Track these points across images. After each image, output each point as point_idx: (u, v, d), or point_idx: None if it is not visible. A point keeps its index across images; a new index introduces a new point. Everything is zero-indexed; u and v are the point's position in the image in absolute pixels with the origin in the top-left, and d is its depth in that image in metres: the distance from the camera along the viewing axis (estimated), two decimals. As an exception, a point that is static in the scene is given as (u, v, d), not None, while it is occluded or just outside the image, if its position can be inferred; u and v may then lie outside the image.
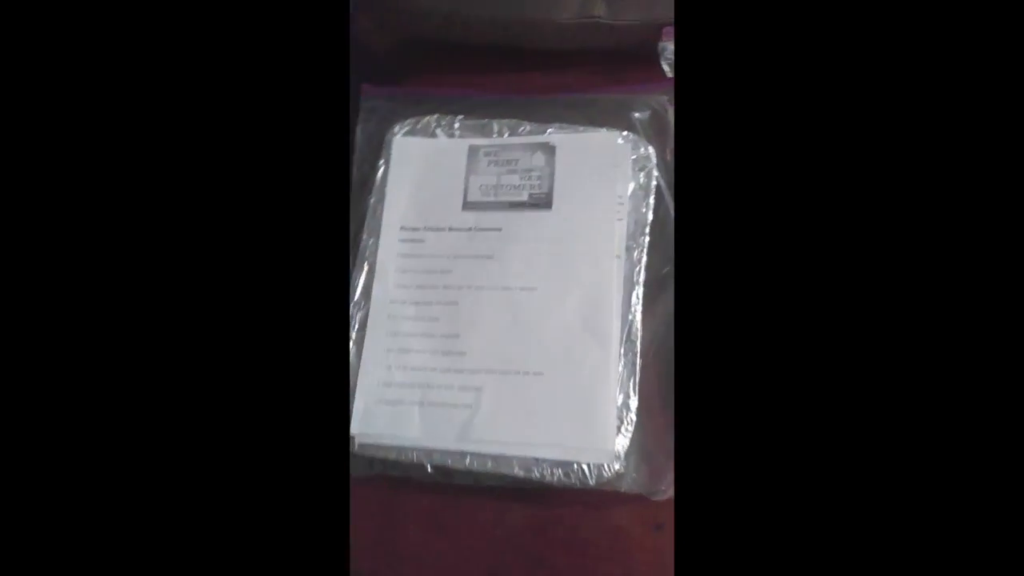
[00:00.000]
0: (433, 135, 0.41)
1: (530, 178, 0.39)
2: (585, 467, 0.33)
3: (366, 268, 0.39)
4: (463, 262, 0.38)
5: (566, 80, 0.42)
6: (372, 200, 0.40)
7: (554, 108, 0.40)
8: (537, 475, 0.34)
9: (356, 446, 0.36)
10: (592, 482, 0.33)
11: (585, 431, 0.34)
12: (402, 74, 0.44)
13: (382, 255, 0.39)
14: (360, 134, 0.41)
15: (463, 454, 0.34)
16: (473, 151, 0.40)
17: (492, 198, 0.39)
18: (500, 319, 0.36)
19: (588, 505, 0.34)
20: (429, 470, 0.35)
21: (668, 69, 0.40)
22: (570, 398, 0.34)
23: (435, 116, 0.41)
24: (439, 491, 0.36)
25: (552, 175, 0.38)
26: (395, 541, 0.36)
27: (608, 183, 0.38)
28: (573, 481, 0.33)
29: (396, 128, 0.41)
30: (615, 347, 0.35)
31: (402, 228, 0.39)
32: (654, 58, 0.40)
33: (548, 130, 0.40)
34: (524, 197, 0.38)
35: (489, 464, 0.34)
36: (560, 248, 0.37)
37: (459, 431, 0.35)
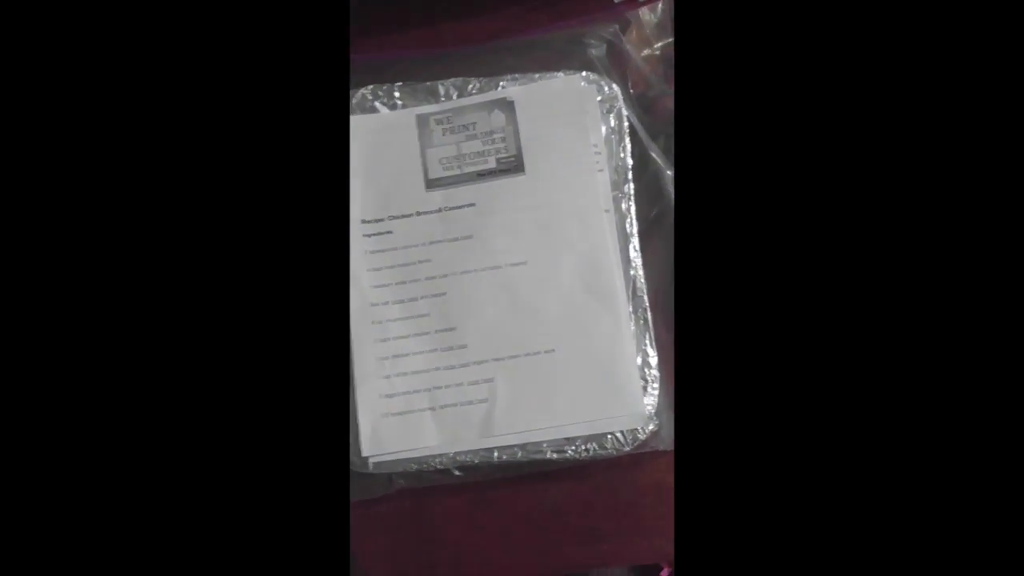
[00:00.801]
0: (372, 109, 0.36)
1: (493, 141, 0.35)
2: (619, 435, 0.32)
3: (332, 274, 0.34)
4: (441, 247, 0.34)
5: (505, 23, 0.38)
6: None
7: (500, 56, 0.36)
8: (571, 453, 0.32)
9: (370, 465, 0.33)
10: (629, 448, 0.32)
11: (612, 399, 0.32)
12: (316, 42, 0.38)
13: (351, 256, 0.34)
14: (285, 122, 0.36)
15: (490, 449, 0.33)
16: (422, 121, 0.35)
17: (456, 171, 0.35)
18: (496, 301, 0.33)
19: (627, 467, 0.34)
20: (456, 474, 0.33)
21: (614, -6, 0.37)
22: (589, 369, 0.33)
23: (369, 88, 0.36)
24: (470, 490, 0.34)
25: (517, 134, 0.35)
26: (434, 550, 0.34)
27: (580, 132, 0.35)
28: (609, 451, 0.32)
29: (327, 108, 0.36)
30: (623, 306, 0.33)
31: (363, 221, 0.35)
32: (596, -17, 0.37)
33: (500, 83, 0.36)
34: (491, 164, 0.35)
35: (519, 454, 0.33)
36: (543, 213, 0.34)
37: (480, 428, 0.33)
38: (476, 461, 0.33)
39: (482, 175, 0.35)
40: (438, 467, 0.33)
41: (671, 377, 0.33)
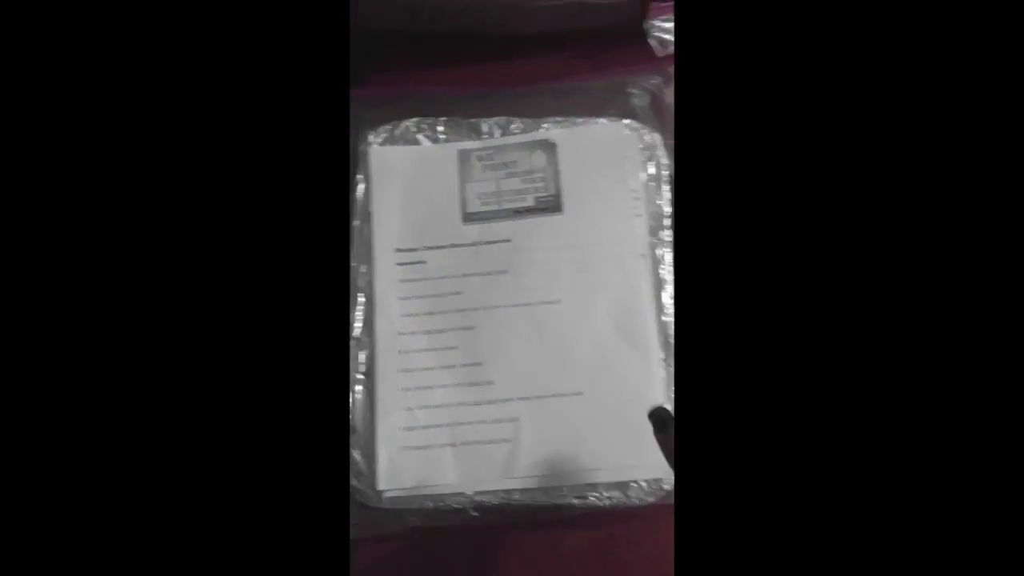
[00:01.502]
0: (414, 141, 0.36)
1: (533, 180, 0.36)
2: (643, 483, 0.32)
3: (362, 299, 0.34)
4: (474, 280, 0.34)
5: (551, 68, 0.39)
6: (356, 222, 0.35)
7: (543, 99, 0.37)
8: (593, 500, 0.32)
9: (384, 500, 0.32)
10: (652, 498, 0.32)
11: (638, 447, 0.32)
12: (364, 73, 0.39)
13: (380, 284, 0.34)
14: (327, 146, 0.36)
15: (510, 491, 0.32)
16: (464, 156, 0.36)
17: (494, 206, 0.35)
18: (526, 339, 0.33)
19: (647, 519, 0.33)
20: (473, 514, 0.32)
21: (659, 47, 0.38)
22: (616, 414, 0.32)
23: (414, 120, 0.37)
24: (485, 531, 0.33)
25: (557, 175, 0.35)
26: (444, 593, 0.33)
27: (619, 177, 0.35)
28: (632, 500, 0.32)
29: (370, 137, 0.36)
30: (655, 351, 0.33)
31: (397, 250, 0.35)
32: (641, 37, 0.38)
33: (543, 125, 0.36)
34: (530, 202, 0.35)
35: (540, 497, 0.32)
36: (579, 254, 0.34)
37: (502, 468, 0.32)
38: (495, 502, 0.32)
39: (519, 212, 0.35)
40: (455, 506, 0.32)
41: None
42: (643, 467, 0.32)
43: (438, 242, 0.35)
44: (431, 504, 0.32)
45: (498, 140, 0.36)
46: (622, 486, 0.32)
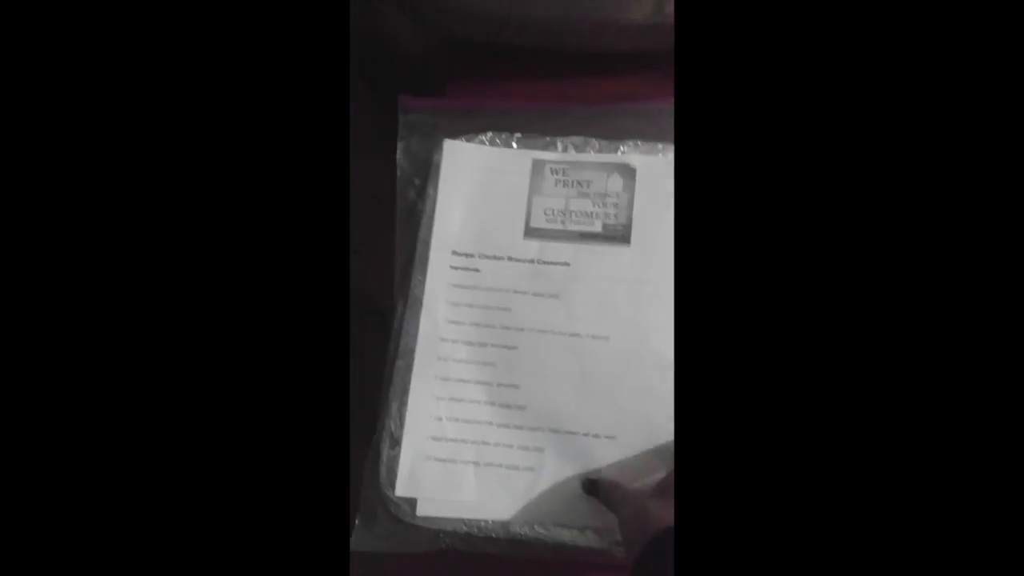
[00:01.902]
0: (486, 155, 0.36)
1: (605, 205, 0.34)
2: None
3: (421, 312, 0.34)
4: (524, 299, 0.33)
5: (634, 88, 0.37)
6: (422, 232, 0.35)
7: (624, 120, 0.36)
8: (617, 547, 0.30)
9: (418, 518, 0.31)
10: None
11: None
12: (444, 81, 0.39)
13: (431, 282, 0.33)
14: (401, 154, 0.36)
15: (546, 527, 0.30)
16: (538, 166, 0.35)
17: (559, 225, 0.34)
18: (566, 371, 0.32)
19: None
20: (505, 545, 0.31)
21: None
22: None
23: (488, 133, 0.36)
24: (516, 565, 0.31)
25: (631, 203, 0.34)
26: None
27: None
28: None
29: (445, 148, 0.36)
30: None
31: (454, 253, 0.34)
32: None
33: (620, 148, 0.35)
34: (597, 227, 0.34)
35: (580, 541, 0.30)
36: (638, 292, 0.32)
37: (522, 497, 0.30)
38: (531, 536, 0.30)
39: (584, 236, 0.34)
40: (491, 535, 0.31)
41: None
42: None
43: (495, 252, 0.34)
44: (464, 529, 0.31)
45: (575, 156, 0.35)
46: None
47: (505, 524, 0.31)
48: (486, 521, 0.31)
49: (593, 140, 0.35)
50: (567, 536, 0.30)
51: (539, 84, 0.38)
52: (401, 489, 0.31)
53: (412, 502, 0.31)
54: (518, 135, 0.36)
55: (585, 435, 0.31)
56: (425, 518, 0.31)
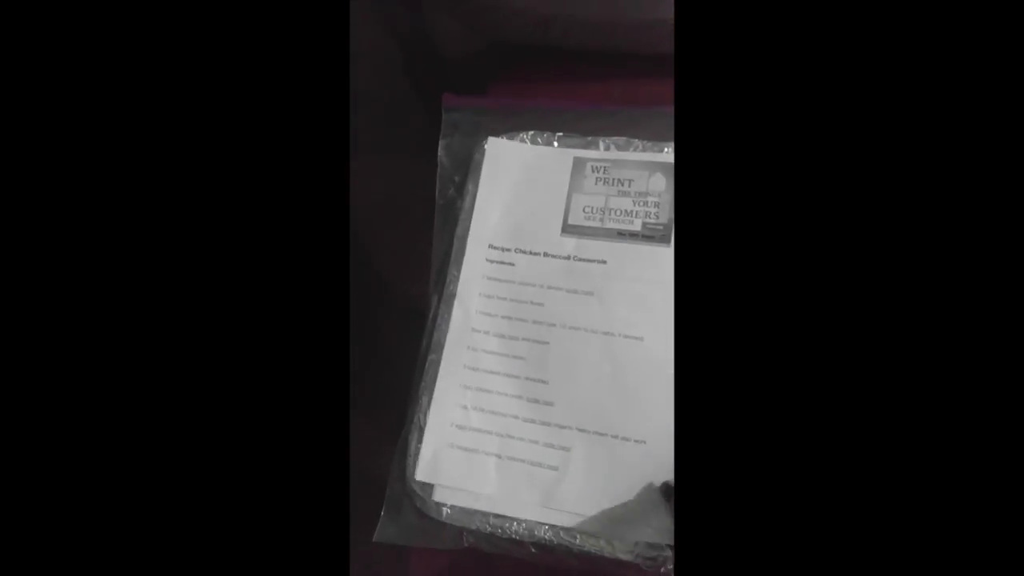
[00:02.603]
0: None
1: (646, 204, 0.33)
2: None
3: (456, 307, 0.34)
4: (558, 296, 0.32)
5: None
6: (459, 229, 0.35)
7: (668, 122, 0.35)
8: (652, 563, 0.28)
9: (443, 514, 0.31)
10: None
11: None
12: (487, 81, 0.39)
13: (466, 273, 0.34)
14: (442, 151, 0.37)
15: (573, 535, 0.29)
16: (579, 164, 0.34)
17: (597, 223, 0.33)
18: (598, 370, 0.31)
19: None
20: (532, 550, 0.30)
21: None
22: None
23: (530, 133, 0.36)
24: (540, 571, 0.31)
25: (672, 204, 0.33)
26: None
27: None
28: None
29: (486, 146, 0.36)
30: None
31: (490, 246, 0.34)
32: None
33: (664, 148, 0.34)
34: (636, 227, 0.33)
35: (606, 550, 0.29)
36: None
37: (542, 495, 0.30)
38: (555, 542, 0.30)
39: (623, 235, 0.33)
40: (514, 536, 0.30)
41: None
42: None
43: (531, 247, 0.34)
44: (488, 529, 0.30)
45: (616, 154, 0.34)
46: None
47: (530, 527, 0.30)
48: (511, 523, 0.30)
49: (636, 141, 0.35)
50: (592, 545, 0.29)
51: (582, 85, 0.38)
52: (421, 474, 0.31)
53: (430, 488, 0.31)
54: (560, 134, 0.35)
55: (614, 437, 0.30)
56: (450, 514, 0.31)
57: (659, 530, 0.28)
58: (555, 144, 0.35)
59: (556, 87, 0.38)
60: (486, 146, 0.36)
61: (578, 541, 0.29)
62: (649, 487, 0.29)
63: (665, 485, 0.28)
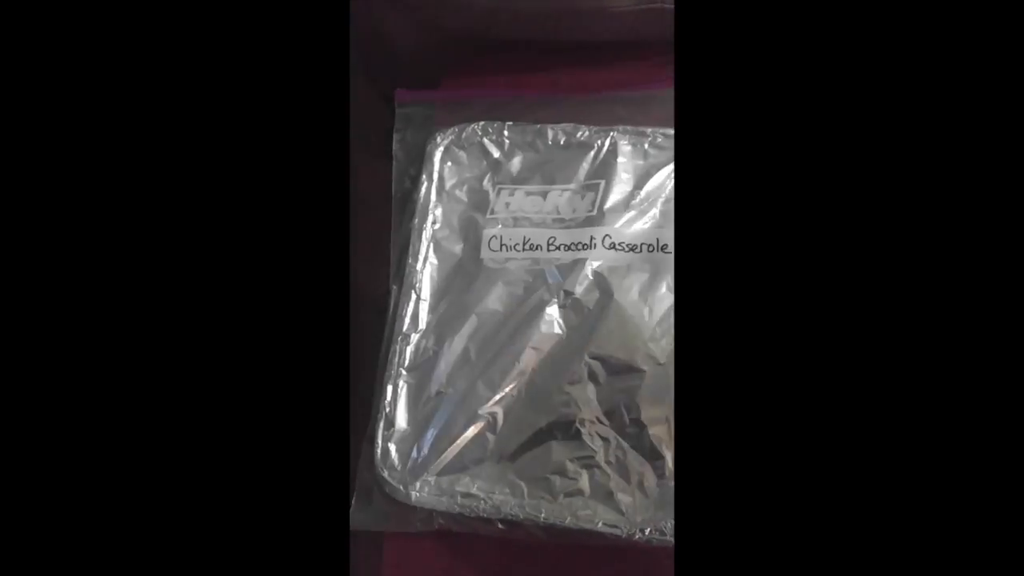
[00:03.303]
0: (480, 145, 0.37)
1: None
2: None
3: (414, 296, 0.35)
4: None
5: (626, 75, 0.37)
6: (415, 220, 0.36)
7: (615, 108, 0.36)
8: (624, 531, 0.30)
9: (412, 498, 0.32)
10: (690, 538, 0.29)
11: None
12: (440, 75, 0.40)
13: (422, 263, 0.35)
14: (397, 145, 0.37)
15: (537, 508, 0.31)
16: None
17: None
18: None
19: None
20: (500, 526, 0.31)
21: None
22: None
23: (480, 124, 0.37)
24: (511, 546, 0.32)
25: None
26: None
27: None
28: (668, 538, 0.29)
29: (438, 138, 0.37)
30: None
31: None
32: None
33: (611, 133, 0.35)
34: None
35: (568, 519, 0.30)
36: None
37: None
38: (520, 517, 0.31)
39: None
40: (482, 515, 0.31)
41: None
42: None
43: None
44: (457, 509, 0.31)
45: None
46: (658, 522, 0.29)
47: (496, 504, 0.31)
48: (478, 501, 0.31)
49: (583, 128, 0.36)
50: (557, 516, 0.30)
51: (532, 76, 0.39)
52: (392, 463, 0.32)
53: (404, 477, 0.32)
54: (509, 123, 0.36)
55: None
56: (419, 497, 0.32)
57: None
58: (504, 134, 0.36)
59: (506, 79, 0.39)
60: (438, 139, 0.36)
61: (543, 515, 0.30)
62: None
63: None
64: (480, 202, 0.36)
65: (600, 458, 0.31)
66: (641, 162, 0.35)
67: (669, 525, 0.29)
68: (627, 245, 0.33)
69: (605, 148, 0.35)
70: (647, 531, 0.29)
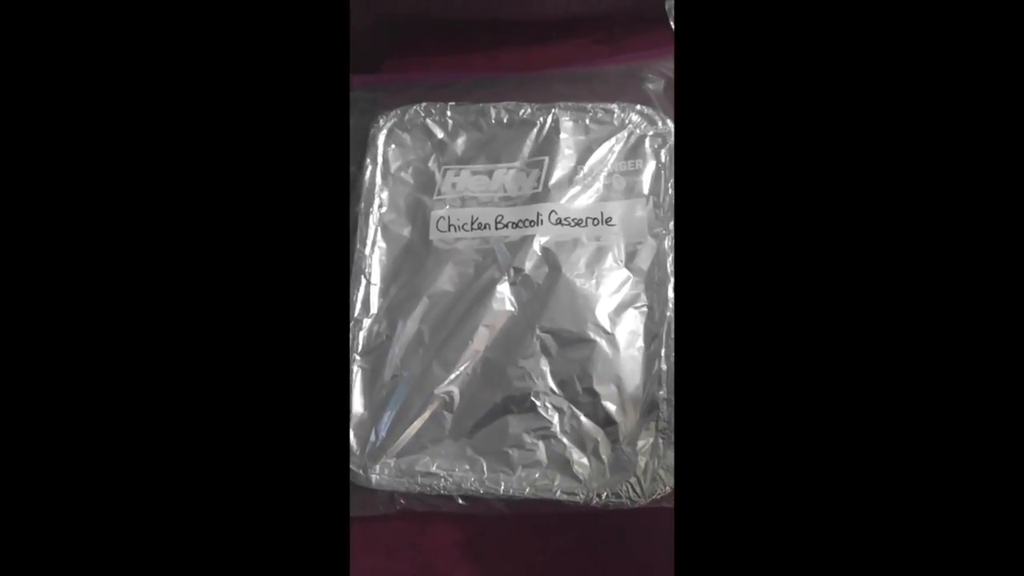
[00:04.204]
0: (423, 127, 0.36)
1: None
2: (636, 486, 0.30)
3: (364, 281, 0.35)
4: None
5: (565, 53, 0.38)
6: (362, 205, 0.36)
7: (556, 85, 0.36)
8: (582, 498, 0.30)
9: (372, 481, 0.32)
10: (646, 500, 0.30)
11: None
12: (381, 58, 0.39)
13: (369, 247, 0.35)
14: (340, 131, 0.37)
15: (496, 481, 0.31)
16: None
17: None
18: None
19: (645, 520, 0.31)
20: (460, 502, 0.32)
21: (678, 31, 0.36)
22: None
23: (423, 105, 0.37)
24: (473, 521, 0.32)
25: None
26: (428, 579, 0.32)
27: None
28: (623, 501, 0.30)
29: (380, 121, 0.37)
30: (640, 349, 0.31)
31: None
32: (661, 20, 0.36)
33: (552, 110, 0.35)
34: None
35: (528, 490, 0.31)
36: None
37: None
38: (481, 491, 0.31)
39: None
40: (442, 491, 0.31)
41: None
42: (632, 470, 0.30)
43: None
44: (418, 489, 0.32)
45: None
46: (614, 486, 0.30)
47: (456, 481, 0.31)
48: (438, 480, 0.31)
49: (526, 105, 0.36)
50: (516, 488, 0.31)
51: (474, 56, 0.39)
52: (351, 448, 0.32)
53: (363, 461, 0.32)
54: (452, 104, 0.36)
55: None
56: (379, 480, 0.32)
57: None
58: (447, 115, 0.36)
59: (449, 59, 0.38)
60: (381, 122, 0.36)
61: (503, 487, 0.31)
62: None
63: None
64: (426, 183, 0.36)
65: (556, 428, 0.31)
66: (583, 137, 0.35)
67: (624, 488, 0.30)
68: (572, 220, 0.34)
69: (548, 125, 0.35)
70: (604, 495, 0.30)
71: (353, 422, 0.33)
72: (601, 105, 0.35)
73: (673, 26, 0.36)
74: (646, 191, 0.34)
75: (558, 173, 0.34)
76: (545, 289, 0.33)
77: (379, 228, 0.35)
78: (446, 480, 0.31)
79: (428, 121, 0.36)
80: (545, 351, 0.32)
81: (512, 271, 0.33)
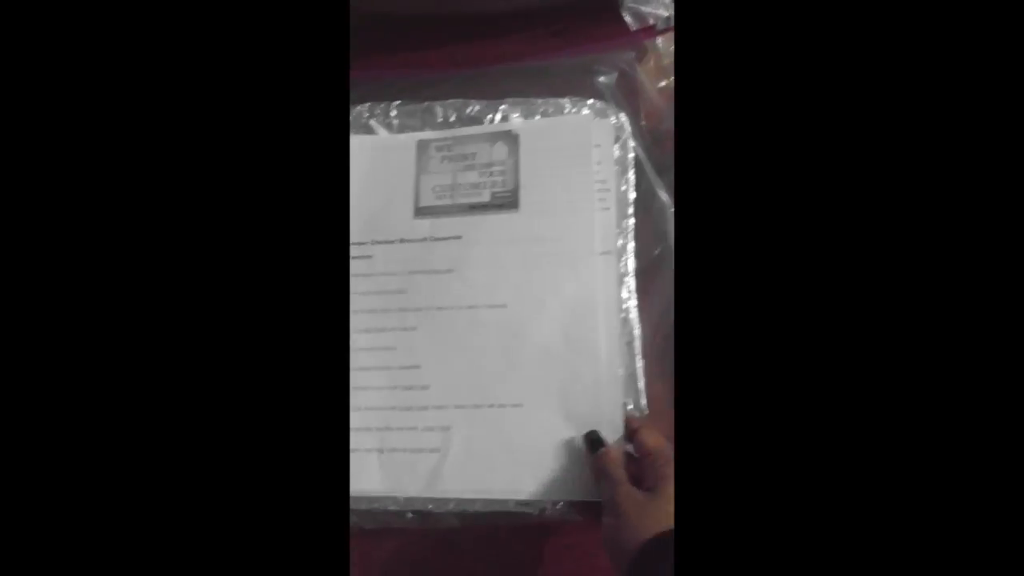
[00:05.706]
0: (368, 128, 0.35)
1: (491, 174, 0.33)
2: (575, 502, 0.29)
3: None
4: (420, 279, 0.32)
5: (517, 47, 0.36)
6: (307, 212, 0.34)
7: (503, 80, 0.35)
8: (534, 512, 0.29)
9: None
10: (580, 517, 0.29)
11: (576, 464, 0.29)
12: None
13: None
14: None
15: (444, 499, 0.30)
16: (423, 146, 0.34)
17: (448, 200, 0.33)
18: (467, 344, 0.31)
19: (582, 535, 0.30)
20: (409, 516, 0.31)
21: (632, 21, 0.35)
22: (557, 429, 0.29)
23: (367, 105, 0.35)
24: (424, 535, 0.31)
25: (517, 168, 0.33)
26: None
27: (584, 171, 0.32)
28: (575, 516, 0.29)
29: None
30: (606, 360, 0.30)
31: (351, 243, 0.33)
32: (613, 11, 0.35)
33: (501, 106, 0.34)
34: (486, 197, 0.33)
35: (478, 505, 0.30)
36: (532, 253, 0.31)
37: (427, 480, 0.30)
38: (431, 507, 0.30)
39: (474, 208, 0.33)
40: (390, 507, 0.30)
41: (666, 433, 0.29)
42: (576, 486, 0.29)
43: (387, 236, 0.33)
44: (365, 506, 0.31)
45: (460, 131, 0.34)
46: (554, 502, 0.29)
47: (410, 499, 0.30)
48: (390, 502, 0.30)
49: (473, 103, 0.34)
50: (468, 503, 0.30)
51: (423, 53, 0.37)
52: None
53: None
54: (397, 103, 0.35)
55: (491, 406, 0.30)
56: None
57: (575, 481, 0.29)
58: (392, 114, 0.35)
59: (397, 58, 0.37)
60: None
61: (453, 504, 0.30)
62: (569, 443, 0.29)
63: (591, 434, 0.28)
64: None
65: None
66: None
67: (577, 500, 0.29)
68: None
69: (496, 121, 0.34)
70: (558, 506, 0.29)
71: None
72: (551, 100, 0.34)
73: (628, 19, 0.34)
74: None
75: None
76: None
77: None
78: (393, 498, 0.30)
79: (372, 122, 0.35)
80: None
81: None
